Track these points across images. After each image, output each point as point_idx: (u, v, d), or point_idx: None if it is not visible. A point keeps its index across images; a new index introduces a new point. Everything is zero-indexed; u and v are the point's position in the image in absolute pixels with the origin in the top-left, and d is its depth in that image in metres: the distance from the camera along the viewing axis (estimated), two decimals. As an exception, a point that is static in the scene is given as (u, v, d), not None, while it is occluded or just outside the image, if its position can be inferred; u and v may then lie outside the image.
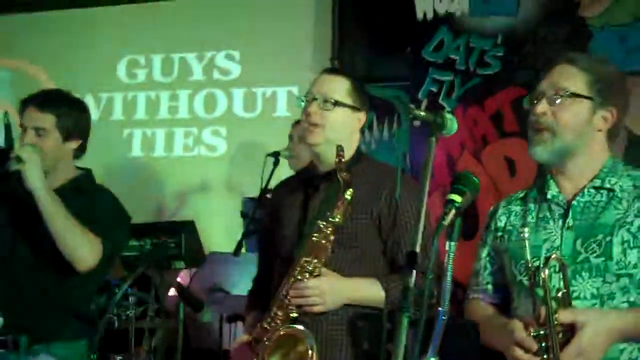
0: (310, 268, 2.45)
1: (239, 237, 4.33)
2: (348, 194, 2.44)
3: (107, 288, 4.63)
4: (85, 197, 2.96)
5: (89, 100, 6.26)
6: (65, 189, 2.96)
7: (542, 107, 2.14)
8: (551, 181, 2.21)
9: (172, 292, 4.85)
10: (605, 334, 1.95)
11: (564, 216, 2.14)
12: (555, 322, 1.94)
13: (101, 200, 2.99)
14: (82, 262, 2.80)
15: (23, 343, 2.82)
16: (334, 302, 2.48)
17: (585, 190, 2.15)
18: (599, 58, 2.24)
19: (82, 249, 2.79)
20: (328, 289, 2.46)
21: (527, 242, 2.01)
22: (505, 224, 2.26)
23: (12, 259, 2.93)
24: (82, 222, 2.82)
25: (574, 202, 2.14)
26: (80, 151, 3.07)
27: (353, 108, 2.60)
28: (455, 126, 2.05)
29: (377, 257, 2.57)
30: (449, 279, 1.74)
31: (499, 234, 2.26)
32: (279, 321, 2.46)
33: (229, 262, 4.92)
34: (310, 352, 2.38)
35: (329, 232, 2.45)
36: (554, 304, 1.96)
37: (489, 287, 2.30)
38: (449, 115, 2.04)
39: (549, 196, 2.19)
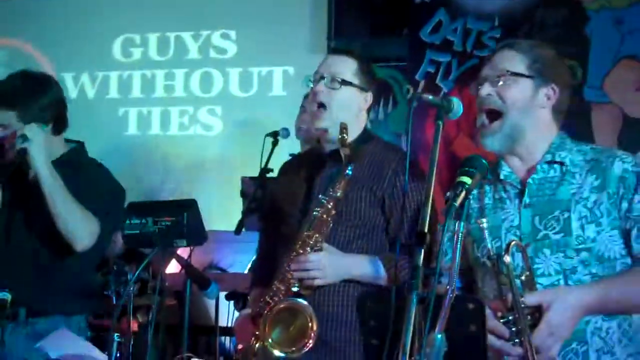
0: (311, 242, 2.50)
1: (235, 215, 4.36)
2: (348, 170, 2.49)
3: (105, 265, 4.68)
4: (80, 174, 2.97)
5: (85, 79, 6.27)
6: (58, 164, 2.93)
7: (486, 89, 2.21)
8: (502, 161, 2.25)
9: (169, 269, 4.91)
10: (571, 310, 1.98)
11: (520, 195, 2.19)
12: (522, 306, 1.96)
13: (96, 177, 3.00)
14: (80, 242, 2.82)
15: (22, 314, 2.84)
16: (334, 276, 2.53)
17: (538, 166, 2.20)
18: (535, 42, 2.30)
19: (81, 229, 2.82)
20: (328, 263, 2.50)
21: (486, 232, 2.01)
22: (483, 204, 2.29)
23: (10, 236, 2.94)
24: (78, 200, 2.84)
25: (529, 180, 2.18)
26: (59, 126, 3.03)
27: (360, 88, 2.63)
28: (461, 109, 2.11)
29: (379, 234, 2.61)
30: (457, 258, 1.78)
31: (477, 214, 2.27)
32: (281, 295, 2.50)
33: (225, 241, 4.97)
34: (310, 324, 2.43)
35: (330, 206, 2.50)
36: (519, 287, 1.99)
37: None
38: (455, 99, 2.09)
39: (501, 177, 2.23)
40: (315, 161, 2.73)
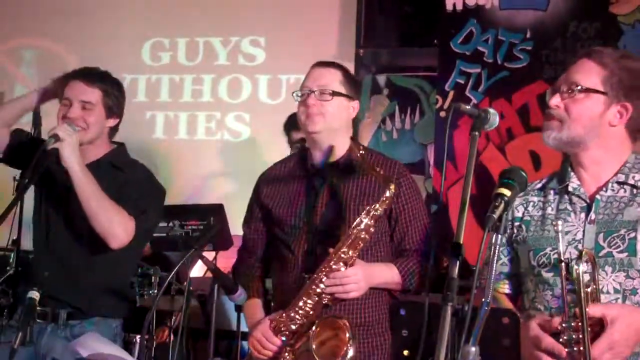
0: (344, 257, 2.55)
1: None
2: (391, 188, 2.54)
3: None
4: (120, 173, 3.00)
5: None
6: (101, 164, 3.00)
7: (555, 100, 2.17)
8: (572, 173, 2.22)
9: (193, 273, 4.91)
10: (635, 329, 1.97)
11: (587, 209, 2.16)
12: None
13: (135, 178, 3.01)
14: (116, 240, 2.83)
15: (62, 316, 2.87)
16: (365, 288, 2.60)
17: (609, 184, 2.16)
18: (622, 52, 2.23)
19: (115, 226, 2.82)
20: (363, 276, 2.58)
21: (560, 234, 2.02)
22: (523, 214, 2.26)
23: (49, 236, 2.97)
24: (115, 199, 2.86)
25: (598, 197, 2.15)
26: (115, 130, 3.10)
27: (348, 97, 2.70)
28: (497, 121, 2.08)
29: (386, 241, 2.70)
30: (493, 270, 1.77)
31: (516, 224, 2.27)
32: (309, 309, 2.54)
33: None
34: (349, 340, 2.47)
35: (370, 223, 2.55)
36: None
37: (502, 277, 2.32)
38: (492, 110, 2.07)
39: (570, 189, 2.20)
40: (311, 172, 2.75)
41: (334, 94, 2.66)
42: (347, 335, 2.47)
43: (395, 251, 2.72)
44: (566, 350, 1.97)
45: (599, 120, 2.13)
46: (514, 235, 2.27)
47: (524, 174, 1.90)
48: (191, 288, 4.51)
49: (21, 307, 2.58)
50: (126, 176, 2.99)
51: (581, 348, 1.94)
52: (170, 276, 2.28)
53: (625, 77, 2.13)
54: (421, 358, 1.93)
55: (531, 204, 2.27)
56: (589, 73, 2.14)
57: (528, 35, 4.63)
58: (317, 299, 2.54)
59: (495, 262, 1.77)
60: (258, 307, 2.79)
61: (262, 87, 6.00)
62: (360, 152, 2.59)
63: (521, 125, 4.53)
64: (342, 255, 2.54)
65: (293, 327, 2.56)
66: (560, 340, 1.99)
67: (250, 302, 2.78)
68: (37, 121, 3.49)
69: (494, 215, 1.75)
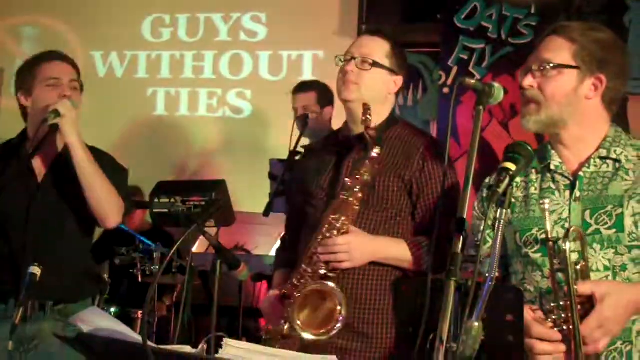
0: (338, 225, 2.48)
1: (261, 197, 4.35)
2: (374, 152, 2.47)
3: (132, 242, 4.70)
4: (100, 159, 2.90)
5: (114, 58, 6.27)
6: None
7: (528, 80, 2.13)
8: (552, 151, 2.19)
9: (195, 249, 4.91)
10: (625, 306, 1.95)
11: (571, 187, 2.13)
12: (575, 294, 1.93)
13: (108, 161, 2.96)
14: (111, 218, 2.82)
15: (49, 304, 2.81)
16: (362, 259, 2.50)
17: (591, 160, 2.13)
18: (589, 25, 2.18)
19: (113, 205, 2.82)
20: (355, 246, 2.48)
21: (547, 213, 1.99)
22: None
23: (27, 219, 2.85)
24: None
25: (581, 173, 2.12)
26: None
27: (390, 71, 2.60)
28: (501, 95, 2.05)
29: (406, 219, 2.59)
30: (498, 246, 1.75)
31: None
32: (308, 278, 2.48)
33: (251, 223, 4.96)
34: (339, 307, 2.40)
35: (357, 189, 2.48)
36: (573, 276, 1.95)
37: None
38: (496, 85, 2.03)
39: (552, 167, 2.17)
40: (341, 144, 2.70)
41: (375, 64, 2.56)
42: (337, 300, 2.39)
43: (416, 229, 2.59)
44: (556, 329, 1.95)
45: (574, 96, 2.10)
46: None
47: (529, 148, 1.87)
48: (193, 264, 4.53)
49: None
50: (100, 160, 2.90)
51: (570, 326, 1.92)
52: (172, 252, 2.24)
53: (595, 49, 2.10)
54: (423, 333, 1.91)
55: (514, 184, 2.24)
56: (559, 49, 2.11)
57: (532, 11, 4.58)
58: (315, 267, 2.48)
59: (499, 237, 1.75)
60: (278, 277, 2.74)
61: (263, 64, 5.96)
62: (366, 115, 2.49)
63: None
64: (334, 222, 2.47)
65: (297, 294, 2.48)
66: (549, 320, 1.97)
67: (276, 272, 2.78)
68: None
69: (498, 190, 1.72)
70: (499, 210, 1.74)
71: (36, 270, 2.51)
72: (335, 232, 2.47)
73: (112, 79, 6.21)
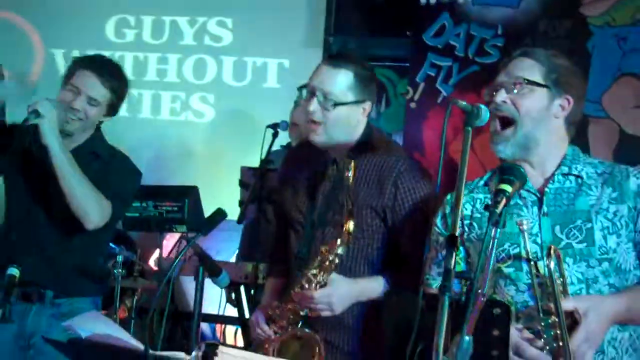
0: (316, 281, 2.48)
1: (222, 203, 4.34)
2: (350, 225, 2.45)
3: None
4: (100, 161, 2.99)
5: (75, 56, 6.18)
6: (80, 151, 2.97)
7: (501, 96, 2.22)
8: None
9: (155, 254, 4.89)
10: (606, 318, 2.05)
11: (539, 203, 2.22)
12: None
13: (113, 163, 3.02)
14: (91, 220, 2.82)
15: (49, 296, 2.87)
16: (342, 307, 2.52)
17: (555, 177, 2.23)
18: (552, 52, 2.30)
19: (92, 206, 2.81)
20: (335, 298, 2.49)
21: (526, 234, 2.07)
22: (472, 212, 2.30)
23: (29, 216, 2.93)
24: (94, 184, 2.85)
25: (546, 189, 2.22)
26: (113, 112, 3.10)
27: (356, 102, 2.56)
28: (487, 116, 2.13)
29: (381, 245, 2.61)
30: (491, 262, 1.82)
31: (466, 222, 2.30)
32: (289, 313, 2.53)
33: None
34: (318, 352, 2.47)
35: (331, 257, 2.48)
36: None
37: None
38: (483, 107, 2.12)
39: None
40: (318, 159, 2.70)
41: (337, 104, 2.52)
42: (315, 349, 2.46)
43: (393, 255, 2.61)
44: (547, 348, 2.02)
45: (546, 113, 2.21)
46: (465, 233, 2.30)
47: (522, 170, 1.96)
48: (158, 269, 4.51)
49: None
50: (104, 162, 2.99)
51: (560, 343, 1.99)
52: (179, 256, 2.24)
53: (562, 72, 2.23)
54: (411, 348, 1.97)
55: (478, 200, 2.32)
56: (530, 69, 2.22)
57: (499, 32, 4.70)
58: (295, 308, 2.52)
59: (493, 254, 1.82)
60: (270, 288, 2.79)
61: (228, 69, 5.96)
62: (348, 175, 2.45)
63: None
64: (312, 278, 2.48)
65: (283, 322, 2.56)
66: (542, 340, 2.03)
67: (267, 281, 2.82)
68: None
69: (496, 210, 1.80)
70: (493, 230, 1.82)
71: (15, 272, 2.50)
72: (313, 285, 2.48)
73: (74, 77, 6.11)
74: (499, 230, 1.81)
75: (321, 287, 2.47)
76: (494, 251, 1.82)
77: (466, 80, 4.74)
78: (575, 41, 4.39)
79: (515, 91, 2.21)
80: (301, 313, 2.50)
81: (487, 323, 1.93)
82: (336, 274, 2.50)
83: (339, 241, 2.46)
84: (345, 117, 2.56)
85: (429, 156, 4.55)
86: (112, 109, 3.01)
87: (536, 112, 2.21)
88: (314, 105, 2.54)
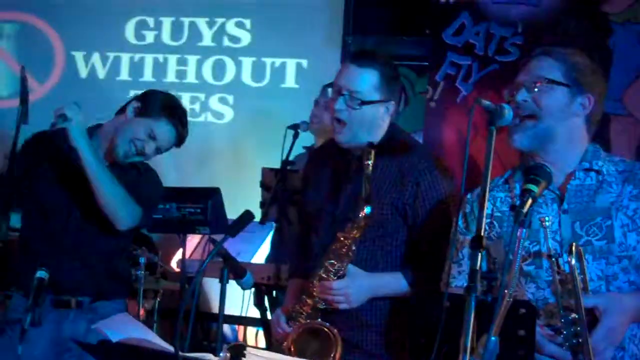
0: (334, 269, 2.53)
1: (244, 204, 4.35)
2: (368, 209, 2.49)
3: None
4: (135, 171, 3.04)
5: (96, 59, 6.23)
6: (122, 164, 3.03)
7: (522, 95, 2.22)
8: None
9: (177, 255, 4.92)
10: (626, 315, 2.07)
11: (559, 200, 2.23)
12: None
13: (148, 177, 3.09)
14: (123, 221, 2.86)
15: (86, 302, 2.93)
16: (359, 300, 2.55)
17: (576, 173, 2.24)
18: (572, 51, 2.31)
19: (124, 208, 2.86)
20: (353, 290, 2.52)
21: (547, 230, 2.09)
22: (493, 210, 2.31)
23: (57, 220, 2.96)
24: (129, 192, 2.91)
25: (568, 186, 2.23)
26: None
27: (382, 102, 2.59)
28: (511, 116, 2.14)
29: (401, 242, 2.62)
30: (517, 263, 1.82)
31: (487, 220, 2.22)
32: (308, 308, 2.56)
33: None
34: (334, 350, 2.48)
35: (348, 242, 2.52)
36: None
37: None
38: (506, 106, 2.13)
39: None
40: (341, 159, 2.72)
41: (364, 103, 2.55)
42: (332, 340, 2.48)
43: (413, 253, 2.62)
44: (567, 344, 2.03)
45: (567, 111, 2.22)
46: (485, 232, 2.30)
47: (548, 169, 1.96)
48: (179, 270, 4.53)
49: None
50: (139, 173, 3.05)
51: (580, 340, 2.01)
52: (208, 258, 2.25)
53: (584, 72, 2.24)
54: (438, 347, 1.97)
55: (498, 199, 2.33)
56: (550, 68, 2.23)
57: (519, 30, 4.68)
58: (314, 300, 2.55)
59: (519, 254, 1.82)
60: (292, 289, 2.81)
61: (246, 70, 5.98)
62: (368, 162, 2.50)
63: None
64: (330, 267, 2.52)
65: (301, 320, 2.58)
66: (561, 336, 2.05)
67: (290, 282, 2.85)
68: (24, 89, 3.29)
69: (522, 210, 1.80)
70: (519, 229, 1.82)
71: (44, 275, 2.52)
72: (332, 275, 2.53)
73: (94, 80, 6.17)
74: (525, 230, 1.82)
75: (339, 277, 2.51)
76: (519, 252, 1.82)
77: (486, 79, 4.73)
78: (597, 39, 4.37)
79: (536, 90, 2.22)
80: (319, 306, 2.53)
81: (511, 323, 1.94)
82: (354, 267, 2.53)
83: (354, 232, 2.50)
84: (371, 116, 2.58)
85: (449, 155, 4.55)
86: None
87: (557, 109, 2.22)
88: (339, 104, 2.57)
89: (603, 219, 2.17)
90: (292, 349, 2.53)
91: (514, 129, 2.24)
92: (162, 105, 3.01)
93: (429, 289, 2.50)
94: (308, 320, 2.55)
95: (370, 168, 2.49)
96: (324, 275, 2.52)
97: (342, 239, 2.52)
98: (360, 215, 2.49)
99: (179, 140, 3.05)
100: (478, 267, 1.85)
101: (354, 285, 2.52)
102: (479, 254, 1.86)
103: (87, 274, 2.92)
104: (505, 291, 1.84)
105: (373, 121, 2.60)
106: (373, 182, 2.54)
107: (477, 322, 1.82)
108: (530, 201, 1.83)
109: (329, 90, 2.66)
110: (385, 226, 2.59)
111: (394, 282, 2.58)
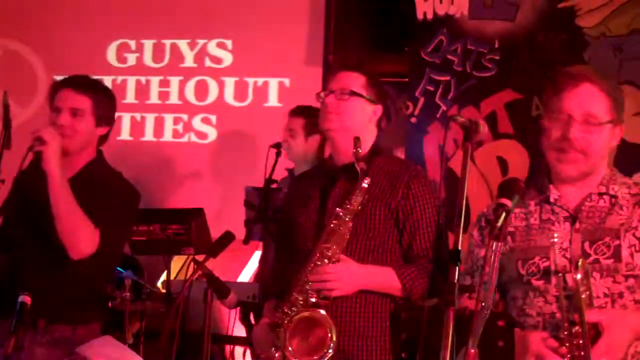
0: (329, 254, 2.59)
1: (227, 224, 4.37)
2: (365, 183, 2.59)
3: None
4: (96, 187, 2.95)
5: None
6: (82, 176, 2.98)
7: (576, 132, 2.24)
8: (550, 186, 2.35)
9: (163, 277, 4.92)
10: (629, 332, 2.13)
11: (572, 219, 2.29)
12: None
13: (110, 192, 2.97)
14: (76, 250, 2.80)
15: (40, 325, 2.84)
16: (352, 287, 2.61)
17: (592, 196, 2.31)
18: (612, 80, 2.36)
19: (78, 236, 2.79)
20: (346, 275, 2.59)
21: (556, 248, 2.17)
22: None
23: (33, 244, 2.94)
24: (86, 209, 2.83)
25: (583, 207, 2.29)
26: (104, 138, 3.09)
27: (369, 100, 2.73)
28: (486, 131, 2.19)
29: (393, 247, 2.70)
30: (494, 276, 1.86)
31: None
32: (299, 305, 2.57)
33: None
34: (329, 334, 2.50)
35: (347, 219, 2.59)
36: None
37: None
38: (481, 122, 2.18)
39: (551, 199, 2.33)
40: (327, 175, 2.80)
41: (352, 93, 2.70)
42: (327, 327, 2.49)
43: (404, 257, 2.70)
44: (569, 356, 2.09)
45: (609, 147, 2.31)
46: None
47: (522, 184, 2.00)
48: (166, 291, 4.54)
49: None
50: (101, 188, 2.95)
51: (582, 353, 2.07)
52: (187, 283, 2.28)
53: (621, 102, 2.29)
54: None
55: (512, 215, 2.36)
56: (599, 103, 2.26)
57: (496, 46, 4.74)
58: (306, 295, 2.57)
59: (495, 268, 1.86)
60: (269, 306, 2.81)
61: (229, 90, 6.01)
62: (357, 147, 2.61)
63: (489, 132, 4.64)
64: (325, 252, 2.58)
65: (288, 322, 2.57)
66: (564, 348, 2.10)
67: (265, 302, 2.86)
68: (7, 115, 3.31)
69: (497, 225, 1.84)
70: (494, 244, 1.86)
71: (27, 299, 2.52)
72: (326, 260, 2.57)
73: (77, 103, 6.16)
74: (500, 244, 1.85)
75: (333, 262, 2.56)
76: (495, 264, 1.86)
77: (465, 94, 4.78)
78: (572, 53, 4.44)
79: (588, 128, 2.24)
80: (311, 300, 2.56)
81: (491, 334, 1.98)
82: (346, 256, 2.59)
83: (347, 217, 2.58)
84: (358, 110, 2.71)
85: (430, 170, 4.59)
86: (100, 119, 3.00)
87: (605, 150, 2.31)
88: (330, 98, 2.72)
89: (612, 239, 2.23)
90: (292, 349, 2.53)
91: (564, 159, 2.28)
92: (51, 88, 3.05)
93: (419, 290, 2.59)
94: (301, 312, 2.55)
95: (364, 192, 2.59)
96: (318, 262, 2.57)
97: (332, 224, 2.58)
98: (356, 191, 2.59)
99: (84, 90, 2.98)
100: (456, 281, 1.88)
101: (347, 270, 2.58)
102: (457, 267, 1.89)
103: (49, 296, 2.82)
104: (483, 304, 1.86)
105: (361, 117, 2.72)
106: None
107: (457, 335, 1.86)
108: (504, 215, 1.87)
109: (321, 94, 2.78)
110: (375, 228, 2.66)
111: (385, 277, 2.63)
